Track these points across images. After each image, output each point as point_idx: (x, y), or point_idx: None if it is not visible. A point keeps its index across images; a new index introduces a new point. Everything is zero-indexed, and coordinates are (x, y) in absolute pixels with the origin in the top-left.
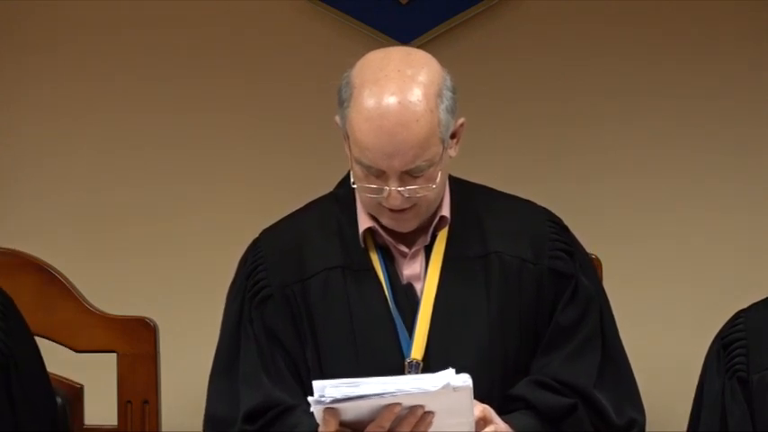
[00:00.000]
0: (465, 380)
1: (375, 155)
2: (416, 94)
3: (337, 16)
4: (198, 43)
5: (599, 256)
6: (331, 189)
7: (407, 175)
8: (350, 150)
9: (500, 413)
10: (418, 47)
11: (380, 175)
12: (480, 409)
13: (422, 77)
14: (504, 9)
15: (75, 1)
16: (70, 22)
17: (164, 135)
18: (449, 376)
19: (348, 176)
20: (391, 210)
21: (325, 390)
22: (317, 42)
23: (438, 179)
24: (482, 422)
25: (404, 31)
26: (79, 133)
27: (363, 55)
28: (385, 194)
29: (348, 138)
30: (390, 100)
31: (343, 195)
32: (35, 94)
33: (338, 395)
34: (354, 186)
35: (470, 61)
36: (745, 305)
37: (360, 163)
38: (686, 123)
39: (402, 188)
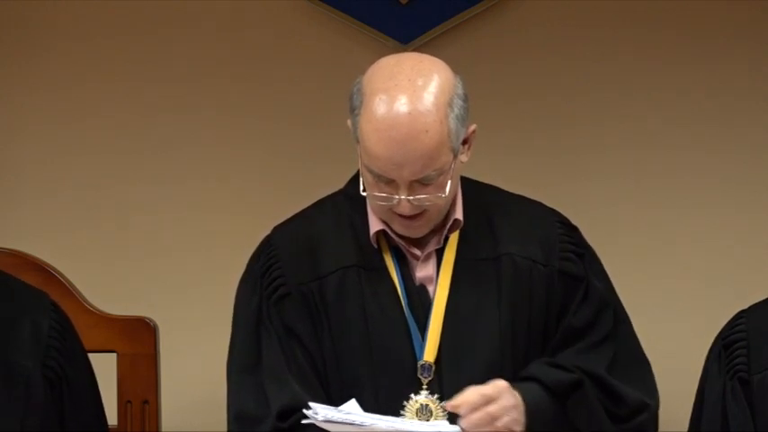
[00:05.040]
0: (456, 430)
1: (385, 164)
2: (426, 105)
3: (337, 16)
4: (198, 44)
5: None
6: (332, 190)
7: (417, 184)
8: (360, 157)
9: None
10: (418, 47)
11: (390, 183)
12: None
13: (432, 87)
14: (504, 9)
15: (78, 2)
16: (72, 22)
17: (164, 136)
18: (441, 425)
19: (358, 174)
20: (401, 216)
21: (319, 409)
22: (317, 43)
23: (448, 188)
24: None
25: (404, 31)
26: (80, 133)
27: (363, 55)
28: (395, 202)
29: (358, 148)
30: (400, 110)
31: (354, 194)
32: (36, 94)
33: (329, 416)
34: (365, 194)
35: (470, 61)
36: (745, 305)
37: (370, 171)
38: (687, 123)
39: (411, 197)
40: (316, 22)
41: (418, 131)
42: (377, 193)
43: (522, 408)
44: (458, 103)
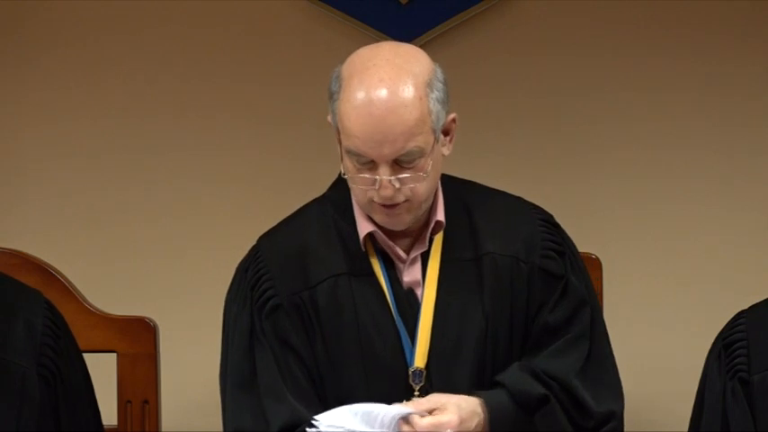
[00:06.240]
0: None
1: (364, 143)
2: (406, 82)
3: (337, 16)
4: (197, 44)
5: (599, 256)
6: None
7: (398, 165)
8: (340, 144)
9: None
10: (418, 47)
11: (371, 166)
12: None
13: (411, 67)
14: (504, 9)
15: (77, 2)
16: (73, 23)
17: (164, 136)
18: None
19: (339, 180)
20: (383, 205)
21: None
22: (318, 42)
23: (429, 169)
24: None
25: (404, 31)
26: (80, 134)
27: None
28: (376, 186)
29: (339, 133)
30: (379, 86)
31: (338, 199)
32: (36, 95)
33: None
34: (345, 176)
35: (470, 61)
36: (746, 305)
37: (350, 152)
38: (686, 122)
39: (392, 177)
40: (316, 22)
41: (397, 106)
42: (358, 176)
43: (476, 419)
44: (438, 85)
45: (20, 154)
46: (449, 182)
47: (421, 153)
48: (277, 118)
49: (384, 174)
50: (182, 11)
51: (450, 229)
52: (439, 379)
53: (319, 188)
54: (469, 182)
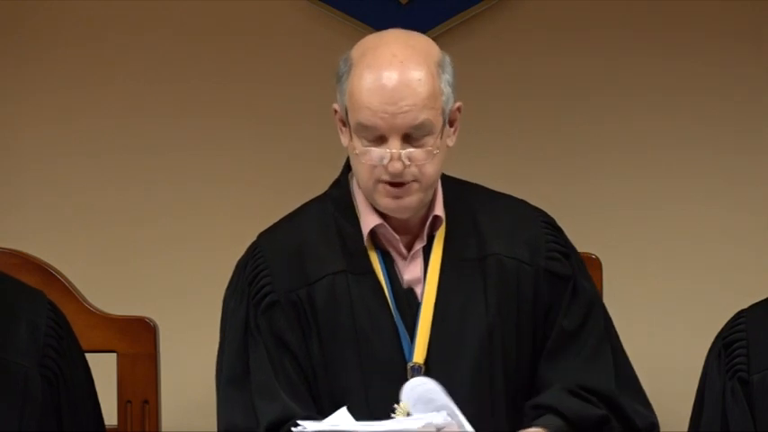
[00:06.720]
0: (445, 417)
1: (377, 113)
2: (418, 59)
3: (337, 16)
4: (197, 44)
5: (599, 256)
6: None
7: (407, 142)
8: (348, 126)
9: (522, 419)
10: None
11: (381, 142)
12: None
13: (423, 46)
14: (504, 9)
15: (77, 2)
16: (73, 23)
17: (164, 136)
18: (430, 416)
19: (341, 177)
20: (391, 184)
21: (306, 425)
22: (318, 42)
23: (438, 145)
24: None
25: None
26: (80, 134)
27: None
28: (386, 161)
29: (346, 118)
30: (393, 61)
31: (339, 197)
32: (36, 95)
33: (318, 428)
34: (356, 153)
35: (470, 61)
36: (745, 305)
37: (360, 126)
38: (686, 123)
39: (403, 150)
40: (316, 22)
41: (410, 79)
42: (367, 149)
43: None
44: (448, 69)
45: (20, 154)
46: (449, 181)
47: (431, 129)
48: (277, 118)
49: (394, 147)
50: (182, 11)
51: (453, 228)
52: (438, 375)
53: (319, 188)
54: (471, 183)
